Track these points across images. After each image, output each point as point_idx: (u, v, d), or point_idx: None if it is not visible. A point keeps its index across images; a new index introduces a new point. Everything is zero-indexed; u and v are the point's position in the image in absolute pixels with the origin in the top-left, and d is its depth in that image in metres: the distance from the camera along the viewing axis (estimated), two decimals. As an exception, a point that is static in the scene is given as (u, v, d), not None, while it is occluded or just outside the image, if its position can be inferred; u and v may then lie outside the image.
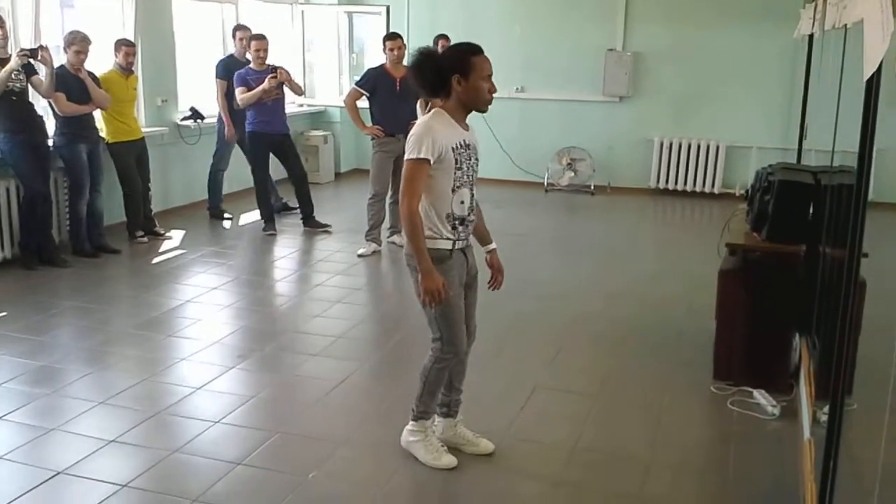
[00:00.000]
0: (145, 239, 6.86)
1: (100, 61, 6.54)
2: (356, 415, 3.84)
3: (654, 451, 3.48)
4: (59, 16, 7.11)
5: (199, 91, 7.98)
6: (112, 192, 6.74)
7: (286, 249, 7.01)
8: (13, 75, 5.64)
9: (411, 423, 3.34)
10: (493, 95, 3.06)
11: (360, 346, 4.79)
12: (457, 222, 3.08)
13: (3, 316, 5.02)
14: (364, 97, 6.60)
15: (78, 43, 6.07)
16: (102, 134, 6.55)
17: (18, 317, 4.99)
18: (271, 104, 6.96)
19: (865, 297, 3.42)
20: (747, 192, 4.79)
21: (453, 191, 3.04)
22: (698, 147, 9.12)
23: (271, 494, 3.10)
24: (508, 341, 4.73)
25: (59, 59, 6.12)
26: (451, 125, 3.04)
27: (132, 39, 6.86)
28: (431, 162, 2.96)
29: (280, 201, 7.92)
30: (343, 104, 7.29)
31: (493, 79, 3.06)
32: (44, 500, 3.06)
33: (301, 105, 9.69)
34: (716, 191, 9.14)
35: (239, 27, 7.71)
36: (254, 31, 7.31)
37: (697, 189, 9.22)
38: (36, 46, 5.80)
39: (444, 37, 8.12)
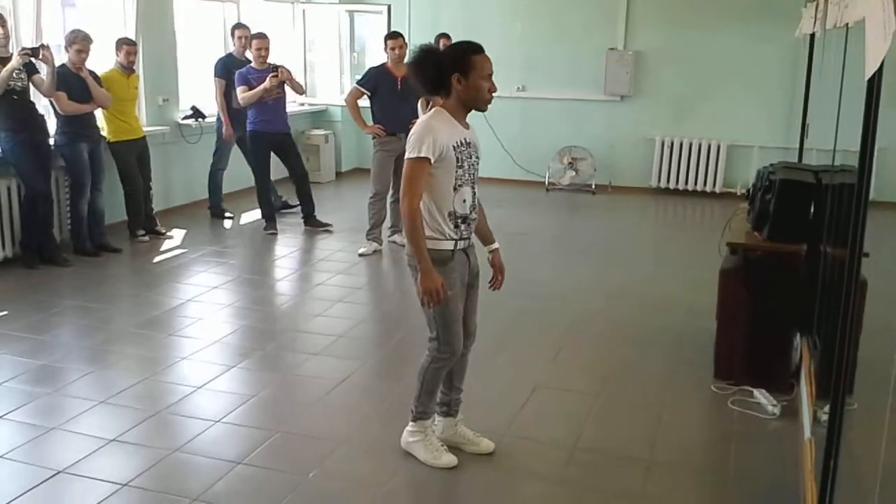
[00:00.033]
0: (146, 238, 6.87)
1: (101, 60, 6.54)
2: (357, 414, 3.84)
3: (654, 451, 3.48)
4: (61, 15, 7.12)
5: (200, 90, 7.97)
6: (113, 191, 6.75)
7: (287, 249, 7.01)
8: (14, 74, 5.64)
9: (411, 423, 3.33)
10: (494, 95, 3.06)
11: (361, 346, 4.79)
12: (459, 221, 3.08)
13: (4, 315, 5.02)
14: (365, 96, 6.60)
15: (79, 42, 6.07)
16: (104, 133, 6.55)
17: (19, 315, 4.99)
18: (272, 103, 6.96)
19: (866, 296, 3.41)
20: (748, 191, 4.79)
21: (455, 189, 3.04)
22: (699, 146, 9.12)
23: (272, 493, 3.10)
24: (509, 340, 4.73)
25: (61, 58, 6.12)
26: (452, 124, 3.04)
27: (133, 38, 6.86)
28: (432, 161, 2.96)
29: (279, 199, 7.92)
30: (344, 103, 7.29)
31: (494, 78, 3.05)
32: (44, 499, 3.06)
33: (302, 104, 9.70)
34: (717, 190, 9.14)
35: (238, 26, 7.70)
36: (255, 30, 7.30)
37: (699, 188, 9.22)
38: (37, 45, 5.81)
39: (446, 36, 8.09)
